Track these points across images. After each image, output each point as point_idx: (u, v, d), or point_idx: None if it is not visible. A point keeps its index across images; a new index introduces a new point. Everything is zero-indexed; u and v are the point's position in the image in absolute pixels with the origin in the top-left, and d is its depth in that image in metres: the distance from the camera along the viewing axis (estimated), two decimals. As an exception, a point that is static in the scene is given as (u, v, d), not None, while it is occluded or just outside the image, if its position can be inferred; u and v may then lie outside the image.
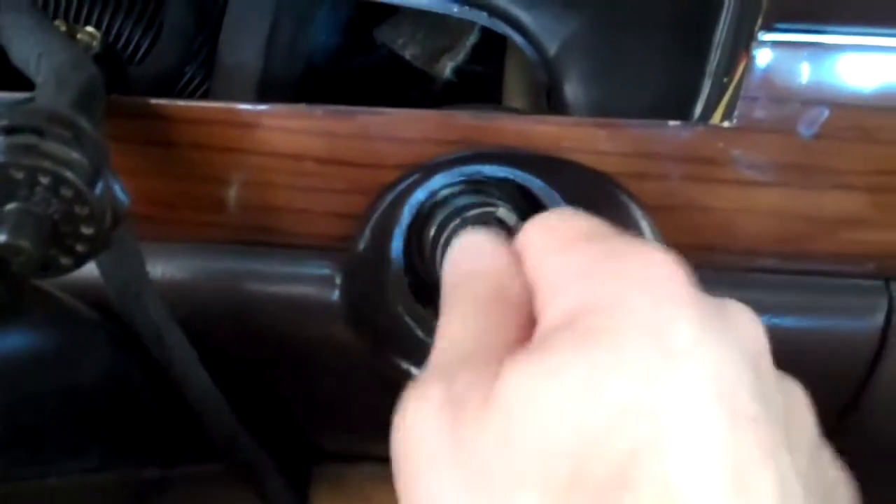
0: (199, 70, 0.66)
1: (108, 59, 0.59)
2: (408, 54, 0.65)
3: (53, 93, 0.42)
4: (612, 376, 0.25)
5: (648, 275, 0.28)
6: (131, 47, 0.63)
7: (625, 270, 0.28)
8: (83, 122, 0.40)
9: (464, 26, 0.63)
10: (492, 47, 0.64)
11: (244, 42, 0.60)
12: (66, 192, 0.38)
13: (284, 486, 0.53)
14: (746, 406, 0.25)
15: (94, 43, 0.58)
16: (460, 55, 0.65)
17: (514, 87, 0.64)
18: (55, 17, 0.60)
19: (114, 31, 0.63)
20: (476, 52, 0.65)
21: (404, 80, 0.67)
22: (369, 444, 0.66)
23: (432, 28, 0.64)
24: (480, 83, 0.67)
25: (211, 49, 0.62)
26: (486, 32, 0.62)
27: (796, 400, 0.30)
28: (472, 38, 0.64)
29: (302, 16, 0.62)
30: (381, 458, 0.70)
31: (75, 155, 0.39)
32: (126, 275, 0.45)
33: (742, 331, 0.28)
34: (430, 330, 0.55)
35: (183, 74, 0.64)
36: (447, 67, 0.64)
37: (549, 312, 0.29)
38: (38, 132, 0.38)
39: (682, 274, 0.28)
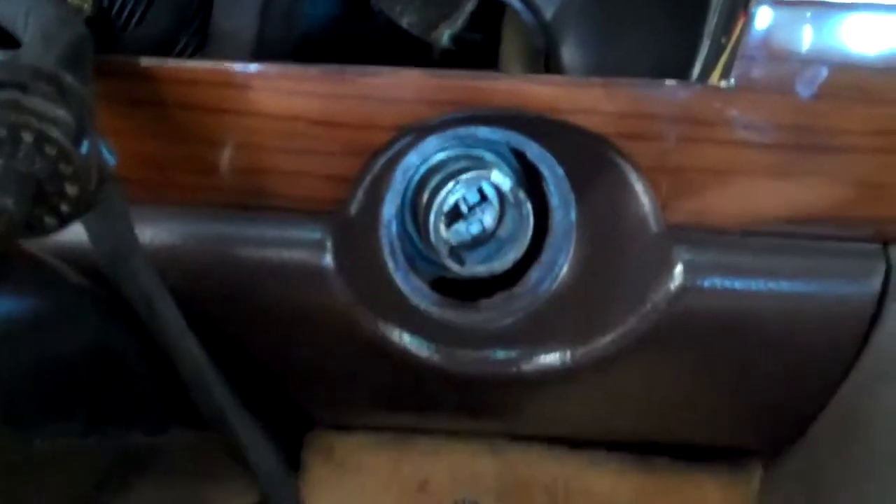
0: (193, 38, 0.65)
1: (101, 22, 0.59)
2: (405, 22, 0.64)
3: (40, 49, 0.42)
4: None
5: None
6: (125, 13, 0.62)
7: None
8: (69, 79, 0.39)
9: (461, -8, 0.62)
10: (489, 15, 0.64)
11: (239, 9, 0.59)
12: (51, 150, 0.38)
13: (274, 458, 0.53)
14: None
15: (86, 6, 0.58)
16: (458, 23, 0.64)
17: (512, 55, 0.63)
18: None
19: (107, 0, 0.62)
20: (473, 21, 0.64)
21: (401, 48, 0.67)
22: (361, 413, 0.66)
23: (430, -5, 0.63)
24: (478, 52, 0.66)
25: (205, 16, 0.61)
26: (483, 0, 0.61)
27: None
28: (469, 6, 0.63)
29: (297, -17, 0.62)
30: (373, 427, 0.71)
31: (60, 112, 0.38)
32: (114, 238, 0.44)
33: None
34: (424, 297, 0.54)
35: (177, 41, 0.63)
36: (444, 35, 0.64)
37: None
38: (22, 88, 0.38)
39: None
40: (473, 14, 0.63)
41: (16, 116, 0.37)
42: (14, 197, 0.37)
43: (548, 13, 0.56)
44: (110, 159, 0.41)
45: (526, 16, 0.57)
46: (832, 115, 0.46)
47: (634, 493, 0.67)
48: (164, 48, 0.62)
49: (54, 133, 0.37)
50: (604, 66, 0.54)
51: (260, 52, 0.59)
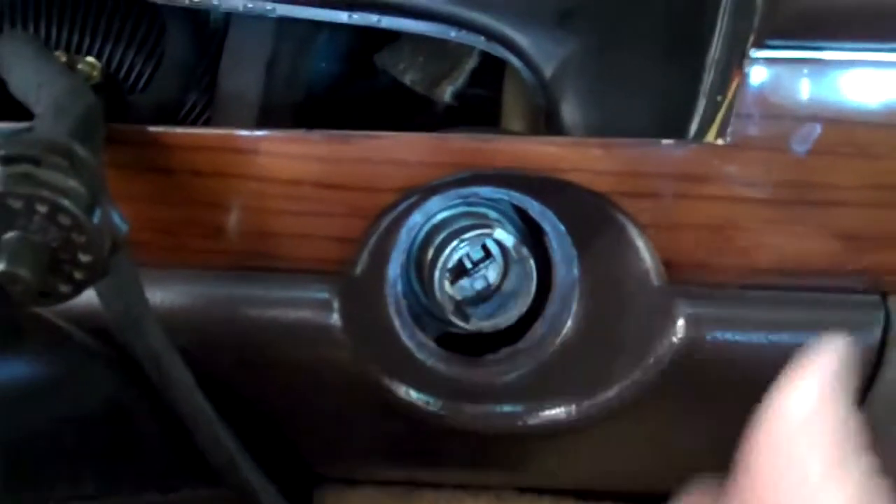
0: (201, 98, 0.66)
1: (109, 88, 0.60)
2: (408, 80, 0.65)
3: (52, 122, 0.43)
4: None
5: None
6: (133, 77, 0.64)
7: None
8: (80, 151, 0.40)
9: (463, 51, 0.63)
10: (491, 71, 0.65)
11: (244, 70, 0.61)
12: (64, 220, 0.38)
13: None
14: None
15: (95, 73, 0.59)
16: (460, 80, 0.65)
17: (513, 111, 0.64)
18: (56, 48, 0.61)
19: (115, 62, 0.63)
20: (476, 77, 0.65)
21: (405, 105, 0.68)
22: (370, 468, 0.66)
23: (432, 53, 0.64)
24: (480, 107, 0.67)
25: (212, 77, 0.62)
26: (485, 57, 0.62)
27: None
28: (471, 63, 0.64)
29: (301, 43, 0.63)
30: (381, 482, 0.70)
31: (72, 183, 0.39)
32: (125, 301, 0.45)
33: None
34: (430, 353, 0.55)
35: (184, 103, 0.64)
36: (447, 92, 0.65)
37: None
38: (35, 161, 0.39)
39: None
40: (475, 71, 0.64)
41: (30, 189, 0.38)
42: (29, 266, 0.38)
43: (547, 72, 0.57)
44: (122, 226, 0.41)
45: (525, 74, 0.58)
46: (827, 171, 0.47)
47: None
48: (172, 110, 0.63)
49: (67, 204, 0.38)
50: (603, 123, 0.55)
51: (265, 111, 0.60)
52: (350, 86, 0.69)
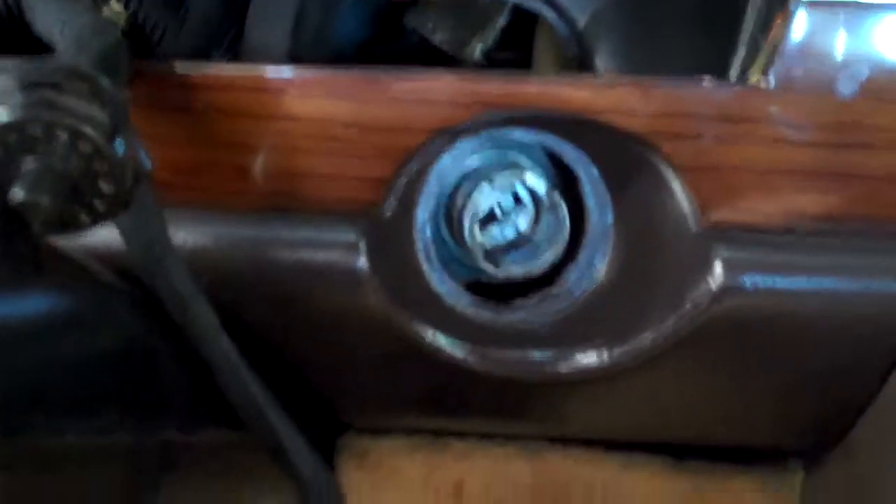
0: (226, 55, 0.66)
1: (134, 38, 0.59)
2: (437, 39, 0.64)
3: (74, 53, 0.42)
4: None
5: None
6: (159, 30, 0.63)
7: None
8: (102, 80, 0.40)
9: (493, 8, 0.62)
10: (521, 32, 0.64)
11: (270, 26, 0.60)
12: (85, 148, 0.38)
13: (313, 458, 0.53)
14: None
15: (120, 21, 0.58)
16: (490, 38, 0.64)
17: (545, 65, 0.63)
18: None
19: (142, 15, 0.62)
20: (505, 38, 0.64)
21: (433, 65, 0.67)
22: (395, 417, 0.66)
23: (462, 11, 0.63)
24: (510, 69, 0.66)
25: (238, 33, 0.62)
26: (515, 16, 0.61)
27: None
28: (501, 20, 0.63)
29: (329, 2, 0.62)
30: (406, 431, 0.70)
31: (94, 110, 0.38)
32: (148, 238, 0.45)
33: None
34: (459, 298, 0.54)
35: (210, 57, 0.64)
36: (477, 50, 0.64)
37: None
38: (57, 87, 0.38)
39: None
40: (505, 30, 0.63)
41: (50, 115, 0.37)
42: (49, 194, 0.37)
43: (581, 21, 0.56)
44: (145, 161, 0.41)
45: (559, 25, 0.57)
46: (873, 114, 0.46)
47: (672, 498, 0.66)
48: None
49: (89, 131, 0.38)
50: (639, 70, 0.54)
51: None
52: (378, 46, 0.69)
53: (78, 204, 0.39)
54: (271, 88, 0.48)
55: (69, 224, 0.39)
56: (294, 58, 0.59)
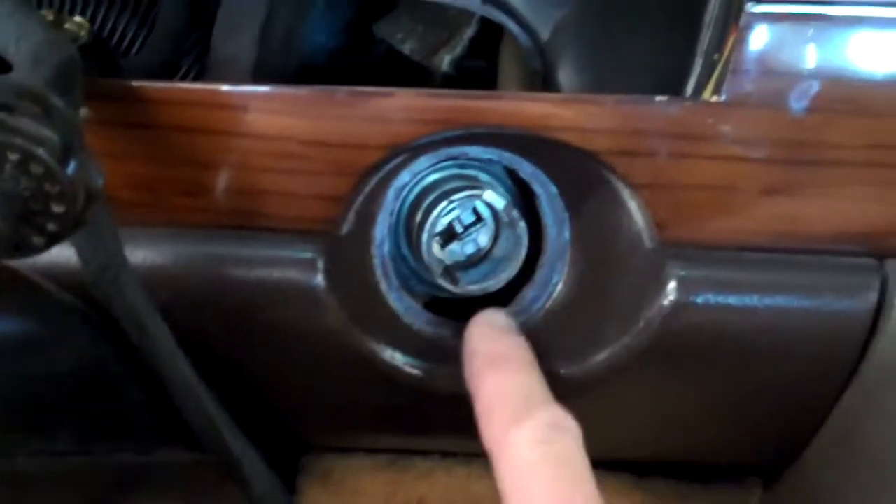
0: (194, 65, 0.65)
1: (98, 50, 0.59)
2: (406, 49, 0.64)
3: (28, 71, 0.42)
4: None
5: None
6: (125, 41, 0.63)
7: None
8: (55, 99, 0.39)
9: (462, 19, 0.62)
10: (489, 42, 0.64)
11: (237, 36, 0.59)
12: (37, 169, 0.37)
13: (269, 478, 0.52)
14: None
15: (83, 32, 0.58)
16: (458, 48, 0.64)
17: (509, 77, 0.64)
18: (42, 6, 0.60)
19: (108, 26, 0.62)
20: (474, 47, 0.64)
21: (402, 76, 0.67)
22: (357, 435, 0.65)
23: (431, 22, 0.63)
24: (478, 79, 0.66)
25: (205, 44, 0.61)
26: (483, 26, 0.62)
27: None
28: (469, 31, 0.63)
29: (297, 10, 0.62)
30: (369, 450, 0.70)
31: (46, 132, 0.38)
32: (103, 257, 0.44)
33: None
34: (417, 316, 0.54)
35: (177, 68, 0.64)
36: (445, 61, 0.64)
37: None
38: (8, 108, 0.38)
39: None
40: (473, 40, 0.63)
41: (2, 136, 0.37)
42: (1, 216, 0.37)
43: (543, 34, 0.56)
44: (97, 178, 0.40)
45: (522, 38, 0.57)
46: (825, 129, 0.46)
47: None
48: (164, 75, 0.62)
49: (40, 152, 0.37)
50: (600, 85, 0.54)
51: (258, 79, 0.59)
52: (346, 56, 0.69)
53: (30, 226, 0.39)
54: (228, 105, 0.47)
55: (20, 247, 0.39)
56: (261, 67, 0.59)
